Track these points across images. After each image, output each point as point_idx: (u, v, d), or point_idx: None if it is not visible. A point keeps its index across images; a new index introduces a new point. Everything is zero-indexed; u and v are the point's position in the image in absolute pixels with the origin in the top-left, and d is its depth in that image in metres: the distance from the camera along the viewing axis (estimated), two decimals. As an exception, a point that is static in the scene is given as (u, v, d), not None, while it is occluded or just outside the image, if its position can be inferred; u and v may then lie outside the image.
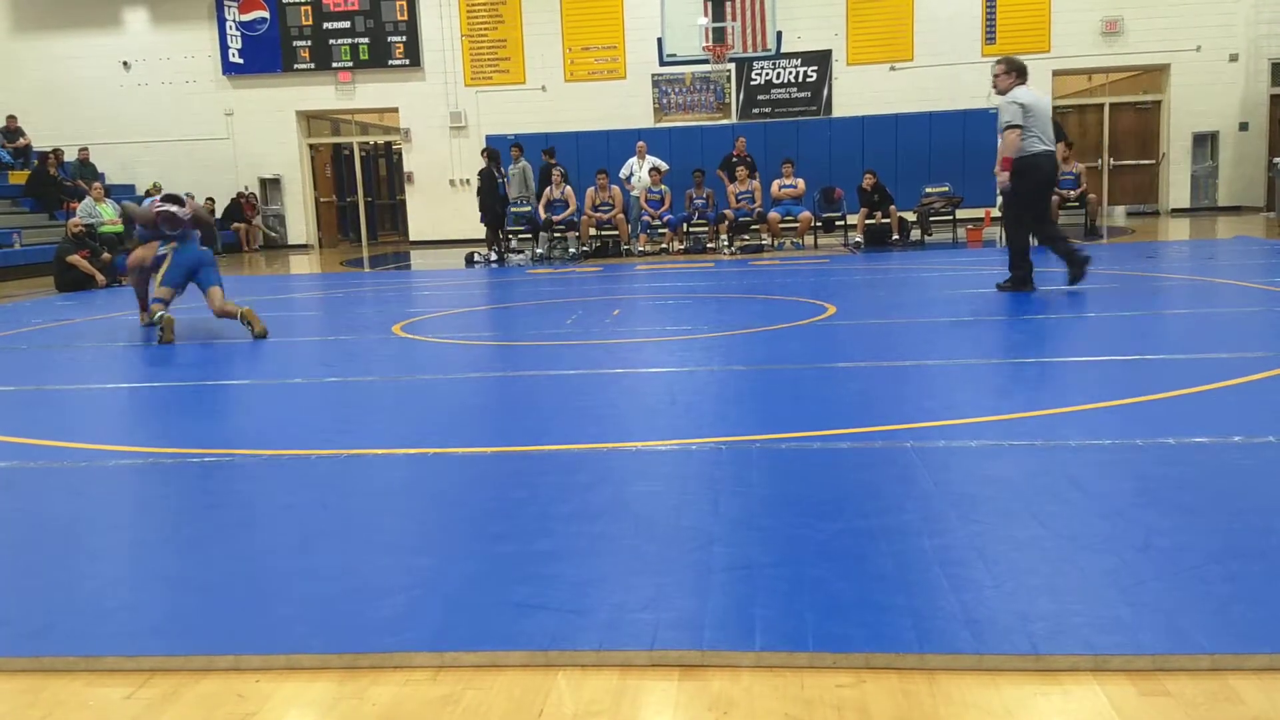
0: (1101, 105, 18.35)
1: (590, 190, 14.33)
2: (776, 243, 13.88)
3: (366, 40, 18.35)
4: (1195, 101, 17.17)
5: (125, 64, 18.89)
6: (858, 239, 13.83)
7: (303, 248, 19.29)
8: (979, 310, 6.91)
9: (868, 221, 13.75)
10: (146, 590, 2.45)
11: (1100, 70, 17.96)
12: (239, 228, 18.46)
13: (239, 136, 18.93)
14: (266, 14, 18.39)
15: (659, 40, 15.15)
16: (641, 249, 14.15)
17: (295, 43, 18.49)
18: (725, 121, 17.81)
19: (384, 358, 6.09)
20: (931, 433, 3.51)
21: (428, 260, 15.61)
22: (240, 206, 18.63)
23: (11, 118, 17.56)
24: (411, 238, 19.08)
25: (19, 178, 16.71)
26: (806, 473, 3.14)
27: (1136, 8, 16.88)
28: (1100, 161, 18.14)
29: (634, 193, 14.58)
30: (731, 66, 17.05)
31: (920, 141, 16.85)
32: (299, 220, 19.47)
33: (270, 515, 2.98)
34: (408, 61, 18.30)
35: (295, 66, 18.56)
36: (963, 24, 17.22)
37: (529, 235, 14.62)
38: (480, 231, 15.14)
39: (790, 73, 17.69)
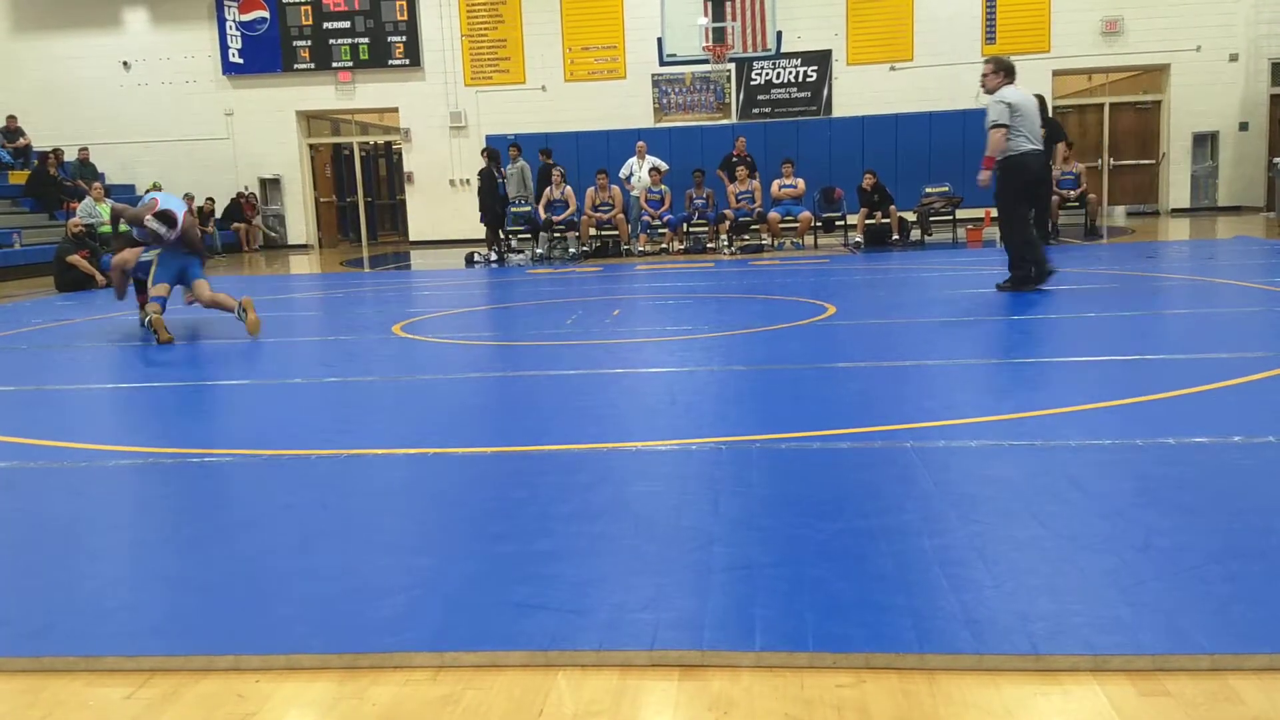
0: (1101, 105, 18.35)
1: (590, 190, 14.32)
2: (776, 243, 13.88)
3: (366, 40, 18.34)
4: (1195, 101, 17.18)
5: (125, 64, 18.88)
6: (858, 239, 13.82)
7: (303, 248, 19.29)
8: (979, 310, 6.91)
9: (868, 221, 13.75)
10: (146, 590, 2.45)
11: (1100, 70, 17.96)
12: (239, 228, 18.46)
13: (239, 136, 18.93)
14: (266, 14, 18.39)
15: (659, 40, 15.15)
16: (641, 249, 14.15)
17: (295, 43, 18.49)
18: (725, 121, 17.81)
19: (384, 358, 6.09)
20: (931, 433, 3.51)
21: (428, 260, 15.61)
22: (240, 206, 18.62)
23: (11, 118, 17.56)
24: (411, 238, 19.08)
25: (19, 178, 16.71)
26: (806, 473, 3.14)
27: (1136, 8, 16.87)
28: (1100, 161, 18.14)
29: (634, 193, 14.58)
30: (731, 66, 17.05)
31: (920, 141, 16.86)
32: (299, 220, 19.46)
33: (270, 515, 2.98)
34: (408, 61, 18.30)
35: (295, 66, 18.56)
36: (963, 24, 17.22)
37: (529, 235, 14.62)
38: (480, 231, 15.14)
39: (790, 73, 17.68)
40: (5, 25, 19.02)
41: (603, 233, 14.47)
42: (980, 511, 2.68)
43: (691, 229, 14.65)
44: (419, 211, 18.93)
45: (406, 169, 18.83)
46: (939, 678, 1.87)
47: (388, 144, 21.23)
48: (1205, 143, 17.47)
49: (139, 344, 6.89)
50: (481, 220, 14.71)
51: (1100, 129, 18.33)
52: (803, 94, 17.75)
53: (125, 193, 16.86)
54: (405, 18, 18.18)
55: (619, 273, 11.62)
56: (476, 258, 14.39)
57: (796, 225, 13.96)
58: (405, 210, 19.48)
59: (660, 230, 14.32)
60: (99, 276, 11.95)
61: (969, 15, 17.22)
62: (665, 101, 18.03)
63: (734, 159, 14.58)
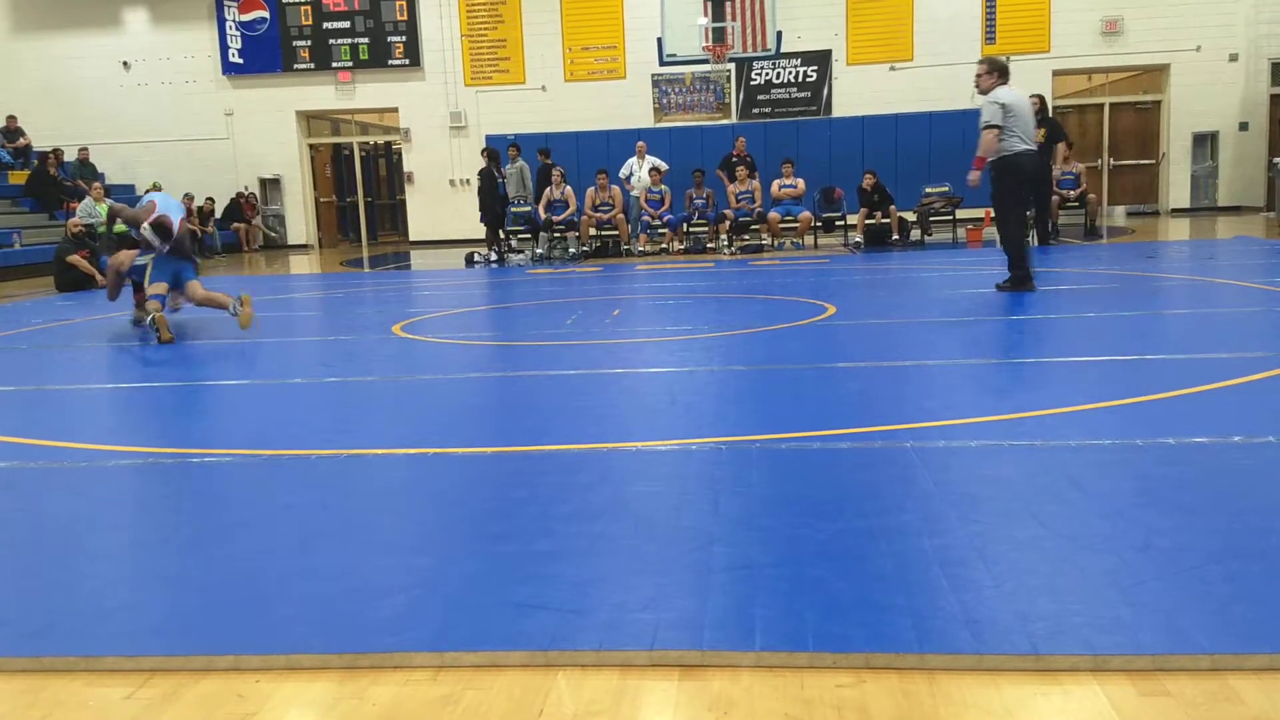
0: (1101, 105, 18.34)
1: (590, 190, 14.32)
2: (776, 243, 13.87)
3: (366, 40, 18.34)
4: (1195, 101, 17.17)
5: (125, 64, 18.88)
6: (858, 239, 13.82)
7: (303, 248, 19.28)
8: (979, 310, 6.91)
9: (868, 221, 13.75)
10: (146, 590, 2.45)
11: (1100, 70, 17.95)
12: (239, 228, 18.45)
13: (239, 136, 18.93)
14: (266, 14, 18.39)
15: (659, 40, 15.15)
16: (641, 249, 14.14)
17: (295, 43, 18.49)
18: (725, 121, 17.80)
19: (384, 358, 6.09)
20: (931, 433, 3.51)
21: (428, 260, 15.61)
22: (240, 206, 18.62)
23: (11, 118, 17.55)
24: (411, 238, 19.07)
25: (19, 178, 16.71)
26: (806, 473, 3.14)
27: (1136, 8, 16.87)
28: (1100, 161, 18.14)
29: (634, 193, 14.58)
30: (731, 66, 17.04)
31: (920, 141, 16.85)
32: (299, 220, 19.46)
33: (270, 515, 2.98)
34: (408, 61, 18.29)
35: (295, 66, 18.55)
36: (963, 24, 17.21)
37: (529, 235, 14.62)
38: (480, 231, 15.14)
39: (790, 73, 17.68)
40: (5, 25, 19.02)
41: (603, 233, 14.47)
42: (980, 511, 2.68)
43: (691, 229, 14.65)
44: (419, 211, 18.93)
45: (406, 169, 18.83)
46: (939, 678, 1.87)
47: (388, 144, 21.23)
48: (1205, 143, 17.46)
49: (139, 344, 6.89)
50: (481, 220, 14.71)
51: (1100, 129, 18.32)
52: (803, 94, 17.75)
53: (125, 193, 16.85)
54: (405, 18, 18.17)
55: (619, 273, 11.62)
56: (476, 258, 14.39)
57: (796, 225, 13.96)
58: (405, 210, 19.47)
59: (660, 230, 14.32)
60: (99, 276, 11.93)
61: (969, 15, 17.22)
62: (665, 101, 18.02)
63: (734, 159, 14.59)
